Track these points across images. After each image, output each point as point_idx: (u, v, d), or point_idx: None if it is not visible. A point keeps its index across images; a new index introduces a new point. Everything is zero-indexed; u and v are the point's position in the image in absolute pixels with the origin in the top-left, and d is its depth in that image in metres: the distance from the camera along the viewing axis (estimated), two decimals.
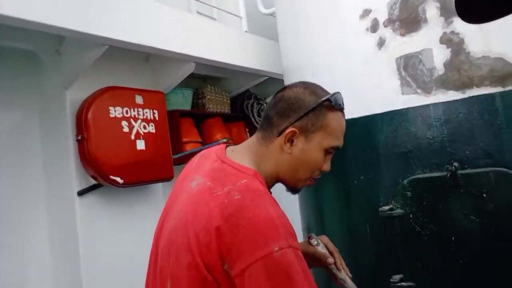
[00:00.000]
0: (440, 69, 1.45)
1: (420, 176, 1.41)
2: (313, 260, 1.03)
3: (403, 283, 1.38)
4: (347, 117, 1.01)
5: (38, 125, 2.24)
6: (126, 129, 2.21)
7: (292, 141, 0.94)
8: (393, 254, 1.44)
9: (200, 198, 0.85)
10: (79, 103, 2.17)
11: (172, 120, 2.59)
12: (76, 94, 2.17)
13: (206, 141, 2.91)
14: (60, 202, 2.17)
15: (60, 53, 2.17)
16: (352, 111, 1.50)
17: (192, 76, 2.69)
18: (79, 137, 2.09)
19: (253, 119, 3.26)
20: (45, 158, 2.23)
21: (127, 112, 2.24)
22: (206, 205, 0.83)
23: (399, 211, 1.41)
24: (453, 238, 1.33)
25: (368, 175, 1.56)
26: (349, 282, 1.01)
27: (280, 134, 0.94)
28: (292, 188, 1.00)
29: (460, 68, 1.41)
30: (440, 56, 1.45)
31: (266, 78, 3.20)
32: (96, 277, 2.10)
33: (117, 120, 2.18)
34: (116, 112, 2.18)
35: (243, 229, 0.77)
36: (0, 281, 1.96)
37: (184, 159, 2.60)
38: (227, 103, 3.20)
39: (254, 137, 1.00)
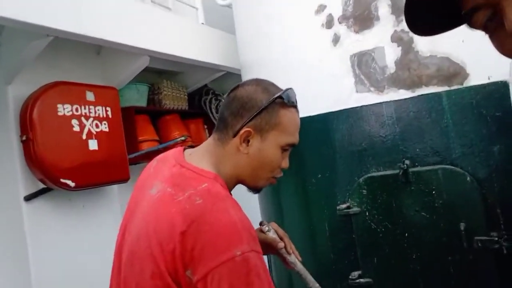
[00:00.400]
0: (391, 67, 1.49)
1: (375, 174, 1.45)
2: (265, 246, 1.04)
3: (361, 280, 1.42)
4: (303, 115, 1.02)
5: None
6: (76, 128, 2.09)
7: (248, 141, 0.93)
8: (351, 251, 1.48)
9: (161, 205, 0.85)
10: (23, 100, 2.02)
11: (127, 118, 2.49)
12: (20, 90, 2.02)
13: (163, 139, 2.82)
14: (6, 208, 2.03)
15: (0, 44, 2.01)
16: (308, 108, 1.52)
17: (147, 70, 2.60)
18: (24, 138, 1.95)
19: (211, 116, 3.22)
20: None
21: (77, 110, 2.12)
22: (167, 212, 0.82)
23: (355, 209, 1.45)
24: (406, 234, 1.39)
25: (325, 173, 1.58)
26: (299, 265, 1.04)
27: (235, 134, 0.93)
28: (253, 188, 1.00)
29: (409, 66, 1.46)
30: (391, 55, 1.48)
31: (224, 72, 3.15)
32: (48, 287, 1.99)
33: (67, 119, 2.06)
34: (65, 109, 2.06)
35: (205, 235, 0.78)
36: None
37: (140, 159, 2.52)
38: (185, 99, 3.11)
39: (211, 138, 0.99)
